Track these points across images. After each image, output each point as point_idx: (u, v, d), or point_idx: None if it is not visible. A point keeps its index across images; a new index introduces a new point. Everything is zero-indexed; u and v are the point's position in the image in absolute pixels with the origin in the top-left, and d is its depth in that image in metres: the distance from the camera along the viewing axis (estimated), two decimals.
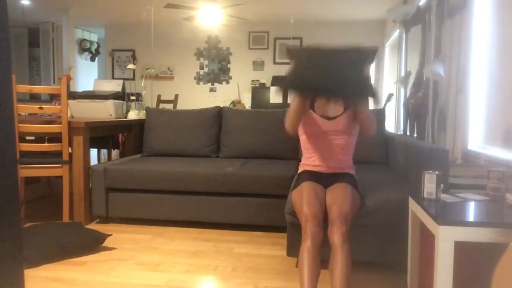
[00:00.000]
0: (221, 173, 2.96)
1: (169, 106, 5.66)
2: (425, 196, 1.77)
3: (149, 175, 3.03)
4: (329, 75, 1.93)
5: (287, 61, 7.67)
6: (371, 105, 2.09)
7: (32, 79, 8.03)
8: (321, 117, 2.18)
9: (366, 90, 1.95)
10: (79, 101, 3.70)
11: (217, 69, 7.92)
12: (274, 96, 6.19)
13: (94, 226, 3.05)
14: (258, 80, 7.64)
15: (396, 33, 5.85)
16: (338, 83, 1.93)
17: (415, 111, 3.49)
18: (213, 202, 2.99)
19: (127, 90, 4.18)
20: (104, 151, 4.98)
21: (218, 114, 3.69)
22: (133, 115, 3.91)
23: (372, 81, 2.04)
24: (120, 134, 4.25)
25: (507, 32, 2.42)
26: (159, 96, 5.81)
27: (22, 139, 3.11)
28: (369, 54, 1.96)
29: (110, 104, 3.66)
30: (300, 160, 2.37)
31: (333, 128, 2.17)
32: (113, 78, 8.10)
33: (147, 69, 7.41)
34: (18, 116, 2.96)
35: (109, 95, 3.83)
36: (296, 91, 2.03)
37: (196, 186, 2.98)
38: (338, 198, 1.98)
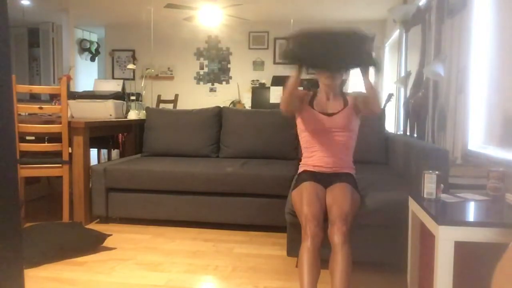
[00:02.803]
0: (221, 173, 2.96)
1: (169, 106, 5.66)
2: (425, 196, 1.77)
3: (149, 175, 3.03)
4: (328, 50, 1.96)
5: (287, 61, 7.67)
6: (372, 76, 2.12)
7: (32, 79, 8.02)
8: (320, 113, 2.18)
9: (367, 59, 1.99)
10: (79, 101, 3.70)
11: (217, 69, 7.92)
12: (274, 96, 6.19)
13: (94, 226, 3.05)
14: (258, 80, 7.64)
15: (396, 33, 5.85)
16: (337, 56, 1.97)
17: (415, 111, 3.49)
18: (213, 202, 2.99)
19: (127, 90, 4.18)
20: (104, 151, 4.98)
21: (218, 114, 3.69)
22: (133, 115, 3.91)
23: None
24: (120, 134, 4.25)
25: (507, 32, 2.42)
26: (159, 96, 5.82)
27: (22, 139, 3.11)
28: (366, 37, 1.98)
29: (110, 104, 3.65)
30: (300, 160, 2.37)
31: (333, 125, 2.18)
32: (113, 78, 8.09)
33: (147, 69, 7.41)
34: (18, 116, 2.95)
35: (109, 95, 3.83)
36: (296, 63, 2.05)
37: (196, 186, 2.98)
38: (338, 198, 1.98)
